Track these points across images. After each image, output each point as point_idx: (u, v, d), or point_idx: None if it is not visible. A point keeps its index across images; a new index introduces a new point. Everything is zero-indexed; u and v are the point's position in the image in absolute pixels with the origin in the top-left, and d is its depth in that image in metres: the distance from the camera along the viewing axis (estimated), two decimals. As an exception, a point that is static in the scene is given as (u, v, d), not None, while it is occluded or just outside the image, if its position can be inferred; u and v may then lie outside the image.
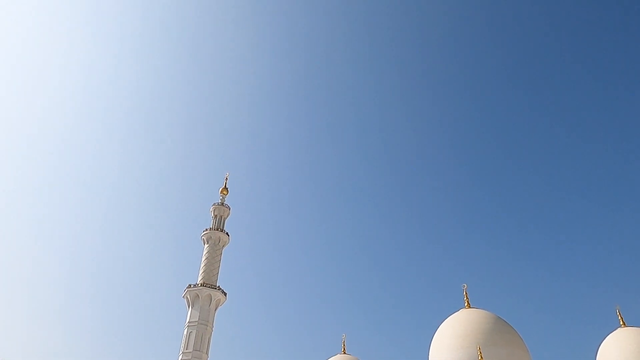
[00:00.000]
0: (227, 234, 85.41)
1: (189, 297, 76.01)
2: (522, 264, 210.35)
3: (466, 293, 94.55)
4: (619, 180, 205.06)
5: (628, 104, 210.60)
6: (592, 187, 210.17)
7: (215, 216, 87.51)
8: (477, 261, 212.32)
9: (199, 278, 79.00)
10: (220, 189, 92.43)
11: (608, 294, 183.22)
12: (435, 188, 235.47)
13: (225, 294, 78.19)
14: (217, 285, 78.62)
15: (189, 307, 75.76)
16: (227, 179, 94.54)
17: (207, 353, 72.35)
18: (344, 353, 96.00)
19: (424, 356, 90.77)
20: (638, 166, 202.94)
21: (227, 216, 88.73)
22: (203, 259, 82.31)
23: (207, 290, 76.07)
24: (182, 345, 71.63)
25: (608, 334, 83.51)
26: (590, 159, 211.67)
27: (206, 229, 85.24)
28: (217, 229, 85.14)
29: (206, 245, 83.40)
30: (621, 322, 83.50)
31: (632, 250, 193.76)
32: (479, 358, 70.80)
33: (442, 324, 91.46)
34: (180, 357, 70.22)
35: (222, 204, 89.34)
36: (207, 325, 73.94)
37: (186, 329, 73.19)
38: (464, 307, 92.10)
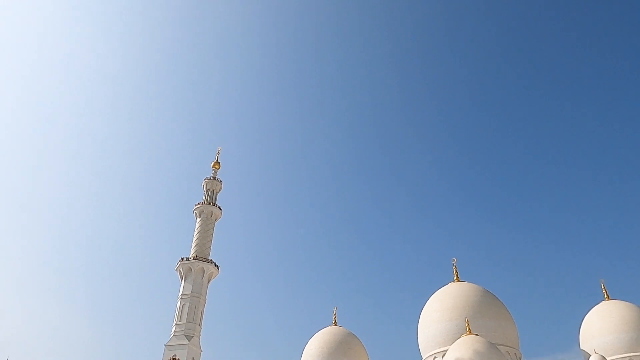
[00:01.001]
0: (219, 207, 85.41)
1: (181, 270, 76.42)
2: (510, 239, 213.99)
3: (455, 267, 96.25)
4: (603, 156, 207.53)
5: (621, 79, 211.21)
6: (577, 164, 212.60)
7: (208, 190, 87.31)
8: (467, 236, 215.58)
9: (192, 251, 79.28)
10: (212, 163, 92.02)
11: (593, 268, 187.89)
12: (425, 164, 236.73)
13: (217, 267, 78.69)
14: (210, 258, 79.05)
15: (181, 280, 76.22)
16: (219, 153, 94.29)
17: (200, 325, 73.22)
18: (335, 325, 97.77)
19: (414, 328, 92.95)
20: (624, 143, 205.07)
21: (219, 190, 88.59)
22: (195, 232, 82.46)
23: (199, 264, 76.50)
24: (176, 317, 72.38)
25: (592, 307, 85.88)
26: (576, 136, 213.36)
27: (198, 203, 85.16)
28: (210, 203, 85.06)
29: (198, 219, 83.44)
30: (605, 296, 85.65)
31: (617, 226, 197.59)
32: (467, 330, 72.55)
33: (432, 297, 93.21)
34: (174, 328, 71.06)
35: (214, 178, 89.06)
36: (200, 298, 74.64)
37: (179, 302, 73.86)
38: (453, 281, 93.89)
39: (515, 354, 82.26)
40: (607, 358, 73.10)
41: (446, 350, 72.99)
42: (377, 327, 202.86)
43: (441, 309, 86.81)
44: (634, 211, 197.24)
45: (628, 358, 75.65)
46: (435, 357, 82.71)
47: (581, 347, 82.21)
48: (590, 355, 72.60)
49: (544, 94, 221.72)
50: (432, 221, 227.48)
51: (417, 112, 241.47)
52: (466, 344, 68.06)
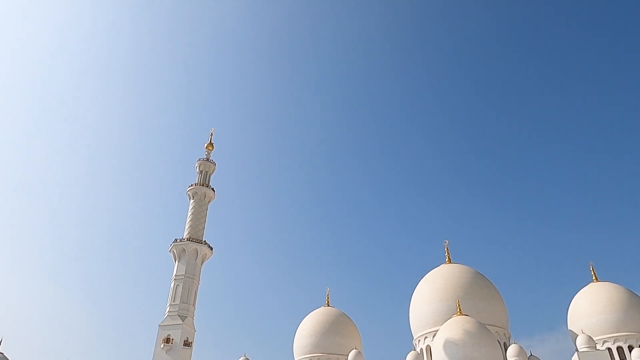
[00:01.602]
0: (212, 189, 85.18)
1: (175, 251, 76.51)
2: (501, 221, 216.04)
3: (447, 249, 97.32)
4: (592, 139, 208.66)
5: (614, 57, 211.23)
6: (568, 149, 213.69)
7: (201, 172, 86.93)
8: (459, 218, 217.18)
9: (185, 233, 79.26)
10: (206, 145, 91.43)
11: (582, 250, 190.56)
12: (418, 147, 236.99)
13: (211, 249, 78.86)
14: (203, 240, 79.20)
15: (175, 261, 76.38)
16: (212, 134, 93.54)
17: (194, 305, 73.67)
18: (328, 306, 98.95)
19: (405, 309, 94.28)
20: (612, 128, 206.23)
21: (213, 172, 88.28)
22: (189, 214, 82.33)
23: (193, 245, 76.59)
24: (170, 297, 72.72)
25: (581, 288, 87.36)
26: (566, 120, 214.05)
27: (192, 185, 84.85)
28: (203, 185, 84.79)
29: (192, 201, 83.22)
30: (593, 277, 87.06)
31: (606, 209, 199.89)
32: (458, 310, 73.67)
33: (424, 278, 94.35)
34: (168, 309, 71.43)
35: (208, 159, 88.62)
36: (193, 279, 74.90)
37: (173, 282, 74.07)
38: (445, 262, 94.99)
39: (504, 334, 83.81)
40: (594, 338, 74.63)
41: (437, 331, 74.18)
42: (369, 307, 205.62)
43: (432, 290, 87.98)
44: (624, 194, 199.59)
45: (614, 338, 77.31)
46: (426, 337, 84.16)
47: (569, 328, 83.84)
48: (577, 336, 74.04)
49: (537, 78, 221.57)
50: (425, 203, 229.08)
51: (413, 94, 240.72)
52: (457, 324, 69.17)
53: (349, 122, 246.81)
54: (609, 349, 76.17)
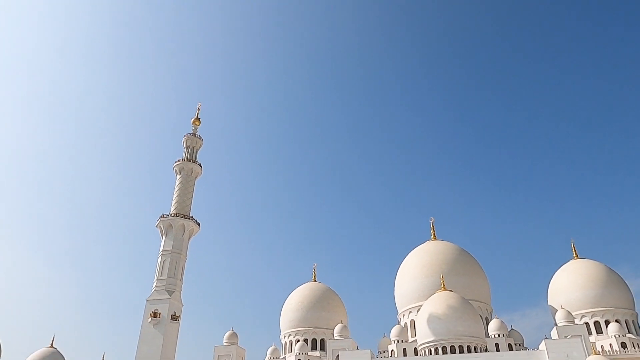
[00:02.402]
0: (199, 165, 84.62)
1: (162, 226, 76.35)
2: (486, 200, 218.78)
3: (433, 226, 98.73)
4: (576, 121, 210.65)
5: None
6: (550, 129, 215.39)
7: (188, 147, 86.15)
8: (444, 196, 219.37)
9: (172, 208, 78.94)
10: (193, 120, 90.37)
11: (564, 228, 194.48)
12: (406, 125, 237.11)
13: (198, 224, 78.81)
14: (191, 215, 79.05)
15: (162, 237, 76.27)
16: (199, 109, 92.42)
17: (181, 280, 73.99)
18: (315, 281, 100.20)
19: (391, 284, 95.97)
20: (596, 109, 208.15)
21: (200, 147, 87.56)
22: (176, 189, 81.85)
23: (180, 220, 76.44)
24: (157, 272, 72.88)
25: (562, 265, 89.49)
26: (550, 100, 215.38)
27: (178, 160, 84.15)
28: (190, 160, 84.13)
29: (179, 176, 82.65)
30: (574, 254, 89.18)
31: (588, 187, 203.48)
32: (442, 286, 75.14)
33: (409, 255, 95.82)
34: (155, 283, 71.69)
35: (195, 134, 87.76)
36: (180, 254, 75.00)
37: (160, 257, 74.18)
38: (430, 239, 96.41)
39: (486, 309, 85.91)
40: (572, 313, 76.85)
41: (421, 305, 75.70)
42: (355, 283, 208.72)
43: (418, 266, 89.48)
44: (606, 174, 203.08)
45: (592, 313, 79.71)
46: (410, 312, 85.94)
47: (549, 303, 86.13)
48: (557, 311, 76.13)
49: (526, 54, 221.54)
50: (411, 181, 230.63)
51: (402, 70, 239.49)
52: (440, 299, 70.61)
53: (340, 101, 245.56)
54: (587, 324, 78.57)
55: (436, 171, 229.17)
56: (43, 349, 59.34)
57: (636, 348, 70.62)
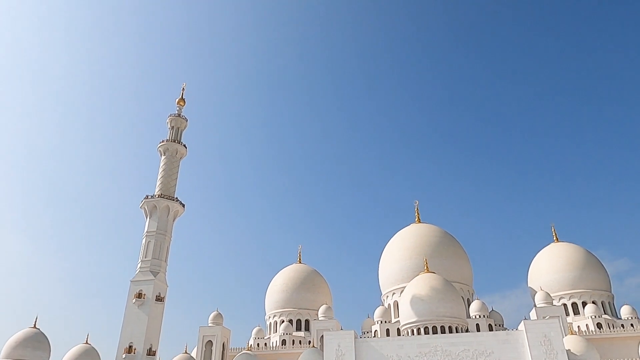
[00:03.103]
0: (184, 145, 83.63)
1: (146, 207, 75.61)
2: (470, 183, 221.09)
3: (417, 209, 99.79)
4: (557, 106, 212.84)
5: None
6: (530, 112, 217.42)
7: (172, 127, 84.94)
8: (429, 180, 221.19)
9: (157, 189, 78.10)
10: (177, 100, 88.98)
11: (545, 211, 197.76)
12: (389, 108, 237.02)
13: (183, 206, 78.26)
14: (175, 196, 78.41)
15: (146, 218, 75.65)
16: (184, 89, 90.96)
17: (166, 261, 73.69)
18: (300, 263, 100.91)
19: (375, 266, 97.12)
20: (577, 98, 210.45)
21: (185, 128, 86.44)
22: (160, 170, 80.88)
23: (164, 202, 75.77)
24: (141, 253, 72.41)
25: (542, 248, 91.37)
26: (533, 88, 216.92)
27: (163, 141, 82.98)
28: (174, 141, 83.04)
29: (163, 157, 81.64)
30: (554, 238, 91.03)
31: (569, 173, 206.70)
32: (425, 268, 76.28)
33: (393, 237, 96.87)
34: (139, 264, 71.30)
35: (179, 115, 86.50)
36: (165, 235, 74.56)
37: (144, 239, 73.66)
38: (415, 222, 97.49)
39: (468, 291, 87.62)
40: (551, 295, 78.81)
41: (405, 287, 76.87)
42: (340, 265, 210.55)
43: (402, 249, 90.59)
44: (587, 160, 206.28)
45: (570, 295, 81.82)
46: (394, 293, 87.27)
47: (529, 285, 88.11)
48: (536, 292, 77.94)
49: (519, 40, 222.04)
50: (397, 164, 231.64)
51: (393, 54, 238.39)
52: (424, 281, 71.74)
53: (328, 82, 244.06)
54: (565, 305, 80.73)
55: (421, 155, 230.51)
56: (26, 330, 58.82)
57: (611, 328, 72.91)
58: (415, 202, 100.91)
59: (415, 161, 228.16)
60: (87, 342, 63.99)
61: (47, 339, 58.45)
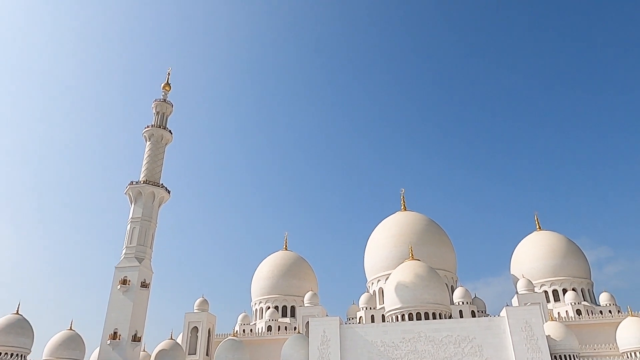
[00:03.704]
0: (169, 131, 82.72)
1: (131, 193, 74.84)
2: (455, 172, 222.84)
3: (403, 197, 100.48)
4: (541, 95, 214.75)
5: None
6: (515, 100, 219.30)
7: (157, 113, 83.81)
8: (415, 168, 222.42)
9: (142, 175, 77.28)
10: (163, 85, 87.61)
11: (529, 200, 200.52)
12: (377, 97, 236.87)
13: (169, 192, 77.64)
14: (161, 182, 77.76)
15: (131, 204, 74.94)
16: (169, 74, 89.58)
17: (151, 247, 73.24)
18: (286, 249, 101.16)
19: (360, 253, 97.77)
20: (560, 81, 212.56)
21: (170, 113, 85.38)
22: (145, 156, 79.97)
23: (150, 188, 75.04)
24: (126, 240, 71.84)
25: (525, 236, 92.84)
26: (517, 76, 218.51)
27: (148, 126, 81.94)
28: (160, 126, 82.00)
29: (148, 143, 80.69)
30: (537, 226, 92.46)
31: (553, 161, 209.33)
32: (410, 255, 77.05)
33: (379, 225, 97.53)
34: (124, 251, 70.80)
35: (165, 100, 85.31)
36: (150, 221, 73.99)
37: (129, 225, 73.05)
38: (400, 210, 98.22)
39: (452, 278, 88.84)
40: (533, 282, 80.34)
41: (390, 274, 77.63)
42: (326, 252, 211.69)
43: (387, 236, 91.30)
44: (571, 151, 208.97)
45: (551, 282, 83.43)
46: (379, 280, 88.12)
47: (512, 272, 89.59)
48: (519, 279, 79.36)
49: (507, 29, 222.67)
50: (383, 152, 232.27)
51: (371, 45, 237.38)
52: (408, 268, 72.50)
53: (307, 69, 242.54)
54: (546, 292, 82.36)
55: (407, 144, 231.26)
56: (8, 316, 58.33)
57: (590, 315, 74.67)
58: (401, 190, 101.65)
59: (402, 149, 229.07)
60: (71, 329, 63.70)
61: (30, 325, 58.06)
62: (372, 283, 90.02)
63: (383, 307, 76.27)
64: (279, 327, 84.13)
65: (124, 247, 71.68)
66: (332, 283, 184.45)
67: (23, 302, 60.87)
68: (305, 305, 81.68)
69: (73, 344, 61.61)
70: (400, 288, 70.37)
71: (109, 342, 63.29)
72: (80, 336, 63.06)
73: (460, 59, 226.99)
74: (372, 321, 76.35)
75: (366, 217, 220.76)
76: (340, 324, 64.12)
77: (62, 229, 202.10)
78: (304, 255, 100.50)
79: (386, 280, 79.29)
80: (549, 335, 59.11)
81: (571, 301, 78.02)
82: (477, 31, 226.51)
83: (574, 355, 58.24)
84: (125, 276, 67.94)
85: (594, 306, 78.83)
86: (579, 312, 76.43)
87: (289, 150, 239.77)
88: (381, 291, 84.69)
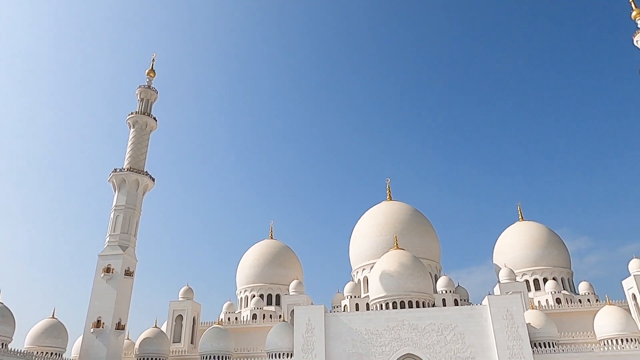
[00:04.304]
0: (154, 118, 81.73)
1: (114, 181, 73.97)
2: (440, 162, 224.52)
3: (389, 187, 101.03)
4: (525, 85, 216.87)
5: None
6: (500, 92, 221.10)
7: (142, 99, 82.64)
8: (401, 158, 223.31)
9: (125, 163, 76.40)
10: (147, 71, 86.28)
11: (512, 191, 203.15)
12: (361, 85, 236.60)
13: (153, 180, 76.94)
14: (145, 170, 76.96)
15: (115, 191, 74.09)
16: (154, 60, 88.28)
17: (135, 236, 72.62)
18: (272, 238, 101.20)
19: (346, 242, 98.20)
20: (543, 75, 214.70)
21: (155, 100, 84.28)
22: (129, 143, 78.96)
23: (134, 175, 74.22)
24: (110, 227, 71.11)
25: (508, 226, 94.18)
26: (502, 67, 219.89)
27: (132, 113, 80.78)
28: (144, 113, 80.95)
29: (132, 130, 79.66)
30: (520, 217, 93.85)
31: (537, 153, 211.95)
32: (395, 245, 77.70)
33: (365, 214, 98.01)
34: (108, 239, 70.15)
35: (149, 86, 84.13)
36: (134, 209, 73.33)
37: (113, 213, 72.28)
38: (386, 199, 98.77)
39: (436, 267, 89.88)
40: (515, 271, 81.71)
41: (375, 263, 78.25)
42: (312, 241, 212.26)
43: (373, 226, 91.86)
44: (553, 143, 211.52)
45: (532, 271, 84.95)
46: (364, 269, 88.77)
47: (494, 262, 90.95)
48: (500, 269, 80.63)
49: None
50: (369, 142, 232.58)
51: (356, 33, 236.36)
52: (393, 257, 73.13)
53: (293, 59, 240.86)
54: (527, 281, 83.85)
55: (393, 133, 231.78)
56: (-11, 304, 57.49)
57: (569, 303, 76.38)
58: (387, 180, 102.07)
59: (389, 139, 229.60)
60: (53, 317, 63.06)
61: (11, 313, 57.18)
62: (357, 272, 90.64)
63: (368, 296, 76.93)
64: (264, 315, 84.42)
65: (108, 235, 71.00)
66: (317, 272, 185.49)
67: (4, 289, 59.49)
68: (291, 293, 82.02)
69: (55, 332, 60.99)
70: (384, 277, 70.99)
71: (92, 330, 62.92)
72: (62, 324, 62.44)
73: (446, 46, 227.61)
74: (357, 309, 76.99)
75: (352, 207, 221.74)
76: (325, 312, 64.56)
77: (45, 216, 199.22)
78: (289, 244, 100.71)
79: (371, 269, 79.90)
80: (529, 323, 60.34)
81: (551, 290, 79.63)
82: (461, 15, 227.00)
83: (553, 343, 59.57)
84: (109, 264, 67.40)
85: (573, 295, 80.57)
86: (558, 300, 78.09)
87: (275, 140, 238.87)
88: (366, 280, 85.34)
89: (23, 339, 61.13)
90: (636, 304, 65.98)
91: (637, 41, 72.26)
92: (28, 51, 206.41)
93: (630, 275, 67.64)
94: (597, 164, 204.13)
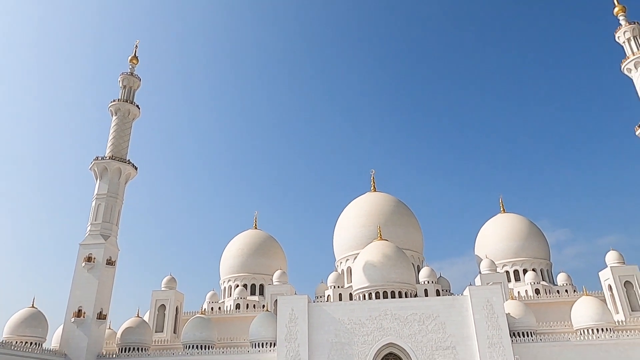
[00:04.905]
0: (137, 106, 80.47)
1: (96, 169, 72.82)
2: (424, 155, 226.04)
3: (373, 178, 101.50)
4: (508, 78, 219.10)
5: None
6: (483, 85, 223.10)
7: (124, 87, 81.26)
8: (385, 149, 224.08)
9: (107, 151, 75.19)
10: (130, 58, 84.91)
11: (495, 184, 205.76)
12: (347, 77, 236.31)
13: (135, 168, 75.92)
14: (127, 159, 75.92)
15: (96, 180, 73.01)
16: (137, 46, 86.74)
17: (117, 225, 71.70)
18: (256, 228, 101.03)
19: (330, 233, 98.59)
20: (525, 70, 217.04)
21: (138, 87, 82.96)
22: (111, 131, 77.68)
23: (116, 164, 73.15)
24: (91, 216, 70.10)
25: (489, 218, 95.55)
26: (485, 59, 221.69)
27: (114, 100, 79.40)
28: (127, 101, 79.64)
29: (114, 117, 78.36)
30: (502, 209, 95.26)
31: (518, 145, 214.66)
32: (379, 236, 78.26)
33: (349, 205, 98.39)
34: (89, 228, 69.20)
35: (132, 74, 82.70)
36: (116, 198, 72.34)
37: (94, 201, 71.16)
38: (370, 191, 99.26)
39: (419, 258, 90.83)
40: (495, 262, 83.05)
41: (358, 253, 78.74)
42: (296, 231, 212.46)
43: (357, 216, 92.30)
44: (536, 134, 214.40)
45: (512, 263, 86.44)
46: (347, 259, 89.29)
47: (476, 253, 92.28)
48: (482, 260, 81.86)
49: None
50: (354, 133, 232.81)
51: (345, 26, 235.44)
52: (376, 248, 73.67)
53: (281, 45, 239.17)
54: (508, 272, 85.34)
55: (378, 125, 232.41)
56: (-34, 293, 56.73)
57: (548, 294, 78.01)
58: (372, 171, 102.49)
59: (374, 131, 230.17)
60: (33, 306, 62.23)
61: (-11, 302, 56.40)
62: (341, 262, 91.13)
63: (351, 286, 77.49)
64: (247, 305, 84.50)
65: (89, 224, 70.10)
66: (301, 262, 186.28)
67: (-18, 279, 58.86)
68: (274, 283, 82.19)
69: (35, 322, 60.26)
70: (368, 267, 71.52)
71: (73, 320, 62.27)
72: (42, 314, 61.70)
73: (430, 38, 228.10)
74: (340, 299, 77.53)
75: (336, 198, 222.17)
76: (309, 302, 64.88)
77: (25, 203, 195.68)
78: (273, 234, 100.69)
79: (354, 259, 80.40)
80: (508, 313, 61.51)
81: (531, 281, 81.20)
82: (445, 6, 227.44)
83: (531, 332, 60.86)
84: (90, 253, 66.62)
85: (551, 286, 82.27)
86: (537, 291, 79.69)
87: (260, 130, 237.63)
88: (349, 270, 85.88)
89: (1, 329, 60.38)
90: (612, 294, 67.76)
91: (618, 37, 73.34)
92: (9, 38, 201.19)
93: (607, 266, 69.27)
94: (577, 156, 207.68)
